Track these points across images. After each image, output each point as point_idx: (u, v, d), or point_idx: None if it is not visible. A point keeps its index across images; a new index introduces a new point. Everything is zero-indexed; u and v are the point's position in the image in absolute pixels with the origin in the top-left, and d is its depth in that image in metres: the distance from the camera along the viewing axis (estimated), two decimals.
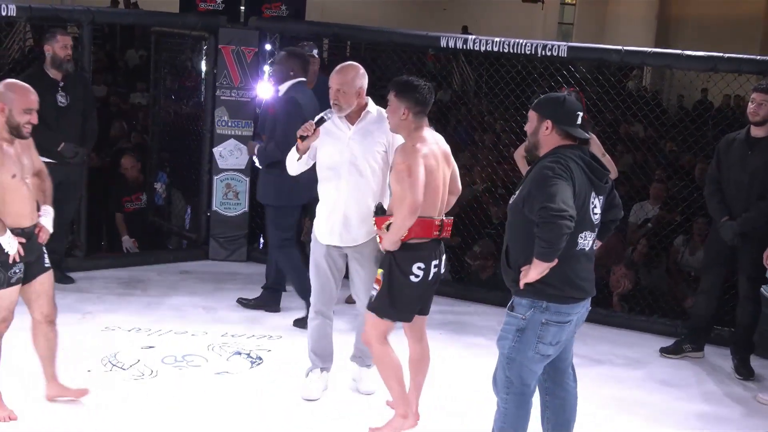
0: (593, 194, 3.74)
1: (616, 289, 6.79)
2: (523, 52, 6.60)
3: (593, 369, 5.75)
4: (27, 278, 4.34)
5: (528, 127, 3.87)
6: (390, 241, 4.26)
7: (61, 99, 6.35)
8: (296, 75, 5.96)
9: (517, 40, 6.60)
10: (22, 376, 4.74)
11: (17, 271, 4.25)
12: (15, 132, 4.21)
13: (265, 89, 7.12)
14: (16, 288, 4.28)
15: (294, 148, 4.74)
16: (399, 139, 4.50)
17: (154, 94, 8.29)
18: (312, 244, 4.89)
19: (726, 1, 19.66)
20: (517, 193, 3.83)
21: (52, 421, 4.44)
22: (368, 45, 9.00)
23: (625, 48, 6.49)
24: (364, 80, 4.71)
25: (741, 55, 6.21)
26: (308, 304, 5.21)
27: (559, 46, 6.54)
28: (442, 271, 4.46)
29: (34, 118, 4.24)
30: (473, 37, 6.83)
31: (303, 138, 4.65)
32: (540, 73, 7.45)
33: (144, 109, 10.35)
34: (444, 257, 4.44)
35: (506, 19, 21.12)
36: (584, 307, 3.86)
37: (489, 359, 5.54)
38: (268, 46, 7.43)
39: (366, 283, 4.70)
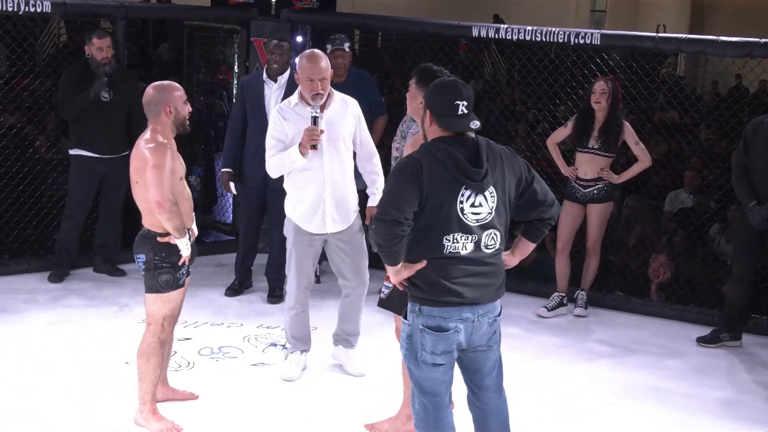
0: (467, 192, 3.42)
1: (655, 279, 6.74)
2: (555, 40, 6.56)
3: (628, 357, 5.73)
4: None
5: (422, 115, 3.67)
6: None
7: (105, 94, 6.41)
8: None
9: (550, 29, 6.56)
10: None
11: (184, 272, 4.31)
12: (182, 127, 4.25)
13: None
14: (182, 290, 4.34)
15: (292, 154, 4.72)
16: (362, 116, 4.90)
17: (187, 88, 8.33)
18: (294, 236, 4.94)
19: None
20: None
21: (90, 409, 4.51)
22: (399, 36, 8.99)
23: (658, 35, 6.44)
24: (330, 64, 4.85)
25: None
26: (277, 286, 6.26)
27: (591, 34, 6.48)
28: None
29: (190, 107, 4.31)
30: (505, 26, 6.80)
31: (315, 146, 4.68)
32: (573, 62, 7.41)
33: None
34: None
35: (538, 7, 20.97)
36: (478, 314, 3.51)
37: (522, 352, 5.55)
38: (299, 38, 7.44)
39: (353, 261, 4.95)
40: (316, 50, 4.89)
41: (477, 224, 3.46)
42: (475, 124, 3.47)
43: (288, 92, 6.05)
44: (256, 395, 4.84)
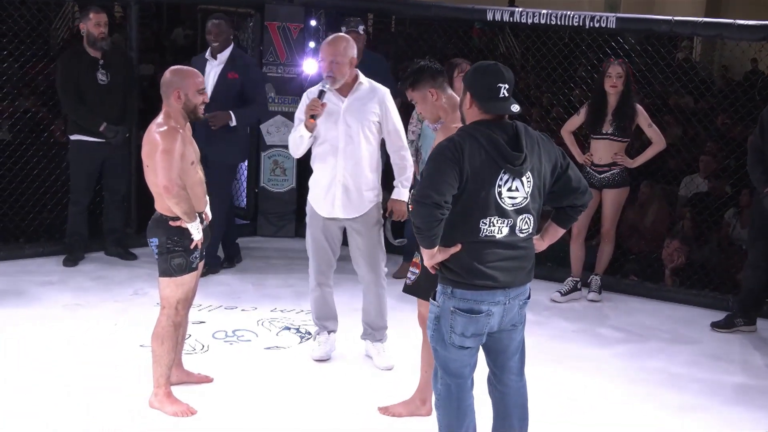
0: (506, 177, 3.42)
1: (669, 264, 6.71)
2: (570, 24, 6.52)
3: (642, 343, 5.71)
4: None
5: (460, 99, 3.64)
6: None
7: (102, 77, 6.41)
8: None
9: (565, 12, 6.53)
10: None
11: (197, 256, 4.33)
12: (192, 115, 4.25)
13: (311, 65, 7.14)
14: (195, 273, 4.37)
15: (300, 128, 4.74)
16: (392, 107, 4.82)
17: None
18: (309, 218, 4.96)
19: None
20: None
21: (103, 392, 4.54)
22: (413, 19, 8.96)
23: (674, 18, 6.40)
24: (354, 50, 4.78)
25: None
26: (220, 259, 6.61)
27: (607, 18, 6.45)
28: None
29: (206, 98, 4.30)
30: (520, 9, 6.77)
31: (314, 117, 4.67)
32: (588, 45, 7.37)
33: None
34: None
35: None
36: (510, 297, 3.54)
37: (536, 336, 5.54)
38: (313, 22, 7.43)
39: (366, 252, 4.93)
40: (340, 34, 4.90)
41: (513, 208, 3.47)
42: (516, 107, 3.48)
43: (227, 67, 6.31)
44: (269, 378, 4.86)
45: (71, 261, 6.60)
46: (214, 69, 6.31)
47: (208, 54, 6.40)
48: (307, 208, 4.99)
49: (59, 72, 6.42)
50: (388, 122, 4.88)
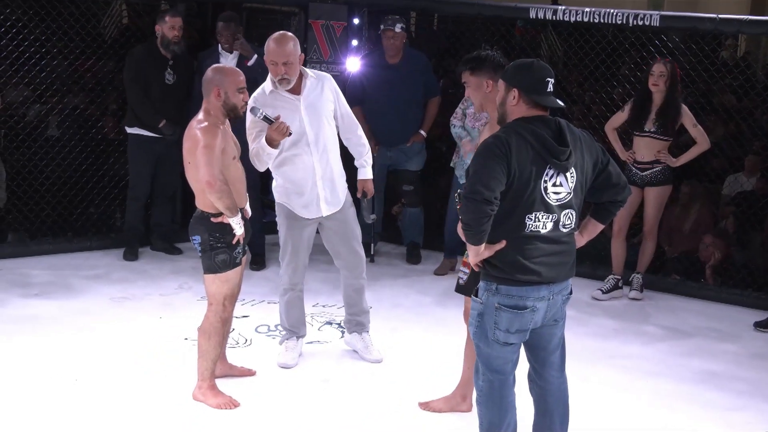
0: (551, 172, 3.44)
1: (706, 261, 6.67)
2: (613, 22, 6.51)
3: (684, 342, 5.69)
4: None
5: (498, 97, 3.62)
6: None
7: (169, 77, 6.57)
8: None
9: (608, 10, 6.51)
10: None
11: (240, 252, 4.39)
12: (232, 113, 4.29)
13: (354, 63, 7.19)
14: (239, 269, 4.43)
15: (264, 148, 4.58)
16: (339, 90, 4.80)
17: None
18: (288, 221, 4.88)
19: None
20: None
21: (147, 383, 4.62)
22: (456, 18, 8.96)
23: (719, 16, 6.35)
24: (299, 45, 4.70)
25: None
26: None
27: (651, 15, 6.43)
28: None
29: (247, 97, 4.33)
30: (563, 7, 6.76)
31: (290, 133, 4.58)
32: (631, 43, 7.33)
33: None
34: None
35: None
36: (553, 292, 3.57)
37: (578, 334, 5.54)
38: (356, 21, 7.48)
39: (350, 240, 4.93)
40: (285, 32, 4.74)
41: (557, 203, 3.49)
42: (559, 101, 3.52)
43: (242, 56, 6.39)
44: (311, 373, 4.91)
45: (132, 254, 6.71)
46: (230, 63, 6.31)
47: (220, 48, 6.53)
48: (282, 210, 4.89)
49: (130, 65, 6.58)
50: (341, 105, 4.86)
